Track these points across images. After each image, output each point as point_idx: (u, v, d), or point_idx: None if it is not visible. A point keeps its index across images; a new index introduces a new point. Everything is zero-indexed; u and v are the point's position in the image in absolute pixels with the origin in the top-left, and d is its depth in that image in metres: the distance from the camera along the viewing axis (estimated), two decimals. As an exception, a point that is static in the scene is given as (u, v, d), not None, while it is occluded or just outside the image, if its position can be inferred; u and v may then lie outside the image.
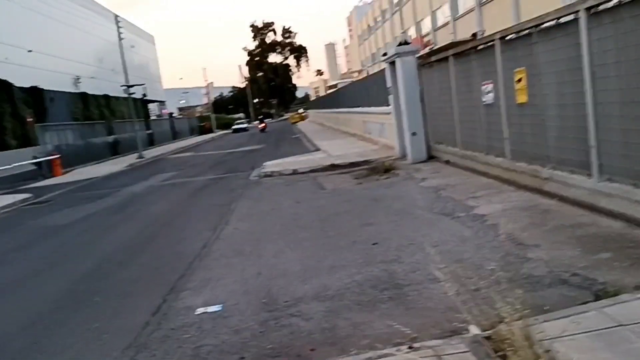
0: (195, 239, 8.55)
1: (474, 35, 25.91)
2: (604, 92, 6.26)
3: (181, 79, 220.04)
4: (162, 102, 77.49)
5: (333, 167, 15.16)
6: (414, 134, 13.33)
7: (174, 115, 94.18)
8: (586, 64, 6.42)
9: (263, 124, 54.78)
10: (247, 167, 19.69)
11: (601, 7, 6.16)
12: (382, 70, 17.70)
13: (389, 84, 14.70)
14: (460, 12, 34.77)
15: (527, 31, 7.89)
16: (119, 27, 36.16)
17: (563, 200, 7.15)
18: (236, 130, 63.25)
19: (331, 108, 37.87)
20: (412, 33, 47.53)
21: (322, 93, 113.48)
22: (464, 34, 29.74)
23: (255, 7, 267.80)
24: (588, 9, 6.30)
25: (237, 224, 9.25)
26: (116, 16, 36.65)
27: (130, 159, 33.49)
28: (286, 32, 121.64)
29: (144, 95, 65.63)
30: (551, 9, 7.19)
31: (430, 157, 13.35)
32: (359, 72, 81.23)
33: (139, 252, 8.41)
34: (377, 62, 65.36)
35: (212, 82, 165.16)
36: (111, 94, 45.90)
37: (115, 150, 39.05)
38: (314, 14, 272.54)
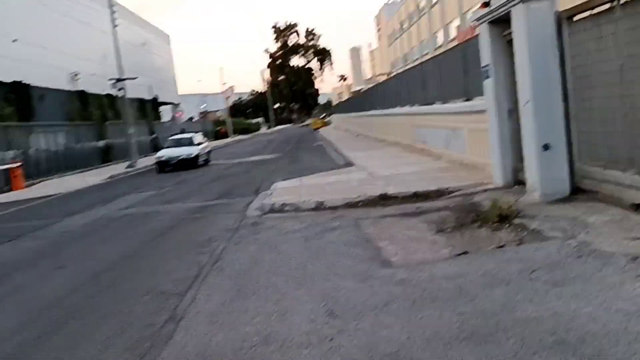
0: None
1: None
2: None
3: (199, 81, 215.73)
4: (176, 105, 72.21)
5: (384, 199, 8.98)
6: (546, 147, 7.08)
7: (194, 119, 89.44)
8: None
9: None
10: (249, 188, 13.63)
11: None
12: (455, 48, 11.52)
13: (486, 60, 8.49)
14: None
15: None
16: (112, 12, 30.53)
17: None
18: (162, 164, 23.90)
19: (361, 111, 31.71)
20: (455, 25, 41.27)
21: (345, 98, 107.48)
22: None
23: (277, 9, 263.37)
24: None
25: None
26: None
27: (120, 168, 27.79)
28: (309, 34, 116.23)
29: (155, 96, 60.73)
30: None
31: (576, 190, 7.09)
32: (388, 74, 74.94)
33: None
34: (409, 63, 59.07)
35: (232, 86, 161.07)
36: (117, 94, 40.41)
37: (107, 156, 33.44)
38: (338, 16, 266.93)
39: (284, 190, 11.35)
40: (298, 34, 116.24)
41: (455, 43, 36.65)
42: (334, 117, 67.87)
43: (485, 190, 8.50)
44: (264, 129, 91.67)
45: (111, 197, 15.57)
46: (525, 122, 7.39)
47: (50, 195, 18.05)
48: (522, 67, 7.28)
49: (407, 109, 17.34)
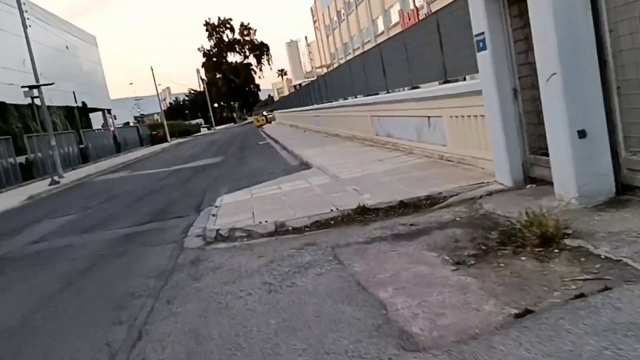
0: None
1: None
2: None
3: (131, 84, 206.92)
4: (107, 111, 67.80)
5: (363, 213, 6.97)
6: (581, 133, 5.27)
7: (130, 125, 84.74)
8: None
9: None
10: (189, 204, 11.35)
11: None
12: (426, 20, 9.71)
13: (479, 27, 6.60)
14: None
15: None
16: (22, 12, 27.01)
17: None
18: None
19: (307, 105, 29.71)
20: (396, 10, 39.85)
21: (286, 93, 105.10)
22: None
23: (209, 6, 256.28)
24: None
25: None
26: (17, -2, 27.43)
27: (43, 185, 24.57)
28: (245, 28, 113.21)
29: (83, 103, 56.40)
30: None
31: (623, 188, 5.33)
32: (328, 66, 73.23)
33: None
34: (349, 53, 57.53)
35: (168, 88, 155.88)
36: (47, 104, 36.44)
37: (28, 173, 29.85)
38: (273, 9, 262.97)
39: (231, 206, 9.16)
40: (233, 30, 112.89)
41: (398, 28, 35.28)
42: (277, 114, 65.60)
43: (490, 194, 6.65)
44: (204, 130, 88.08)
45: (22, 226, 12.86)
46: (549, 102, 5.54)
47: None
48: (542, 29, 5.41)
49: (364, 98, 15.44)
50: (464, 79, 8.69)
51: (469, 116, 8.12)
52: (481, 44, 6.65)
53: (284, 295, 4.60)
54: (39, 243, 10.08)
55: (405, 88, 11.30)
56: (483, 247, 4.86)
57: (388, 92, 12.91)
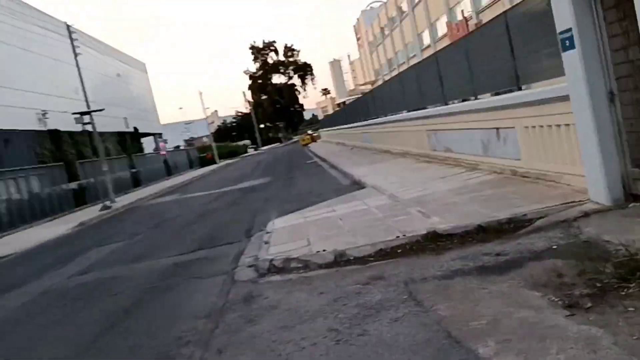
0: None
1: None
2: None
3: (181, 108, 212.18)
4: (159, 135, 69.32)
5: (435, 240, 6.13)
6: None
7: (181, 148, 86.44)
8: None
9: None
10: (238, 229, 10.73)
11: None
12: (493, 22, 8.83)
13: (565, 23, 5.69)
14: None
15: None
16: (72, 40, 27.65)
17: None
18: None
19: (354, 122, 29.02)
20: (443, 22, 38.81)
21: (330, 112, 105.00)
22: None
23: (254, 30, 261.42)
24: None
25: None
26: (68, 26, 28.14)
27: (95, 210, 24.75)
28: (288, 50, 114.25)
29: (135, 128, 57.77)
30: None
31: None
32: (373, 83, 72.58)
33: None
34: (394, 68, 56.74)
35: (216, 111, 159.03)
36: (100, 130, 37.37)
37: (81, 199, 30.30)
38: (316, 29, 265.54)
39: (284, 232, 8.47)
40: (277, 52, 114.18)
41: (445, 41, 34.27)
42: (323, 132, 65.29)
43: (586, 215, 5.68)
44: (251, 151, 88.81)
45: (71, 255, 12.59)
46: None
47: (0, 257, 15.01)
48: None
49: (417, 112, 14.57)
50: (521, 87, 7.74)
51: (550, 126, 7.16)
52: (567, 42, 5.74)
53: (356, 348, 3.80)
54: (86, 274, 9.66)
55: (471, 98, 10.36)
56: (598, 285, 3.93)
57: (446, 104, 12.02)
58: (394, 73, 51.52)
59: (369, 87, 72.28)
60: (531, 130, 7.79)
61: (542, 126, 7.43)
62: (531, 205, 6.47)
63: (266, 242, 7.88)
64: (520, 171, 8.44)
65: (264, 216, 11.58)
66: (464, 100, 11.22)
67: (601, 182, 5.77)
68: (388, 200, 9.27)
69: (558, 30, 5.88)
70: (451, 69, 11.17)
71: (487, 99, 9.41)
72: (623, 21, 5.22)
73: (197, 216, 14.86)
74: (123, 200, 27.82)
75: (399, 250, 6.11)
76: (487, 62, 9.23)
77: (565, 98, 6.39)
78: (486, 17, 29.41)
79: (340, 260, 6.25)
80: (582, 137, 5.97)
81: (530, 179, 8.03)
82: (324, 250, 6.54)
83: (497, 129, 9.09)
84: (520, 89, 8.14)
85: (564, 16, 5.71)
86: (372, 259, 6.08)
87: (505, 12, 8.07)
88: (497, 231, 5.97)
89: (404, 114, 16.21)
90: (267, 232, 8.75)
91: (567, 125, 6.67)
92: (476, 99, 10.10)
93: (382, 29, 62.60)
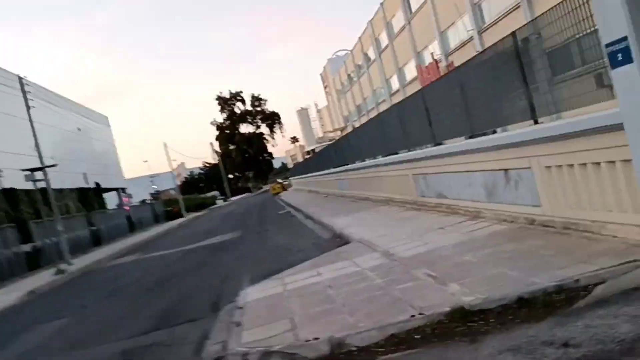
0: None
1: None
2: None
3: (146, 161, 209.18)
4: (122, 190, 66.76)
5: (464, 319, 4.60)
6: None
7: (147, 202, 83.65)
8: None
9: None
10: (204, 301, 8.99)
11: None
12: (498, 45, 7.63)
13: (618, 31, 4.43)
14: (489, 20, 25.74)
15: None
16: (24, 93, 25.86)
17: None
18: None
19: (327, 169, 27.74)
20: (411, 66, 38.51)
21: (299, 160, 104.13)
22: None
23: (220, 80, 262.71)
24: None
25: None
26: (20, 79, 26.36)
27: (47, 275, 22.37)
28: (255, 99, 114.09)
29: (97, 184, 55.33)
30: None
31: None
32: (342, 129, 72.23)
33: None
34: (364, 114, 56.39)
35: (182, 163, 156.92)
36: (59, 187, 35.03)
37: (35, 262, 27.73)
38: (282, 79, 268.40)
39: (260, 307, 6.79)
40: (244, 102, 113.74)
41: (416, 85, 33.84)
42: (294, 180, 63.99)
43: (665, 278, 4.27)
44: (220, 202, 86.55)
45: (10, 335, 10.51)
46: None
47: None
48: None
49: (401, 155, 13.30)
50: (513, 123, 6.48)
51: (584, 164, 5.84)
52: (620, 55, 4.47)
53: None
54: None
55: (461, 137, 9.08)
56: None
57: (437, 145, 10.75)
58: (364, 119, 51.02)
59: (338, 133, 71.82)
60: (555, 170, 6.46)
61: (571, 165, 6.11)
62: (577, 265, 5.05)
63: (237, 324, 6.19)
64: (540, 219, 7.07)
65: (234, 282, 9.87)
66: (465, 138, 9.97)
67: (677, 234, 4.39)
68: (384, 259, 7.74)
69: (605, 42, 4.61)
70: (442, 106, 9.94)
71: (492, 137, 8.12)
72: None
73: (157, 282, 12.98)
74: (80, 262, 25.47)
75: (417, 336, 4.55)
76: (489, 94, 7.99)
77: (607, 129, 5.11)
78: (456, 58, 29.01)
79: (339, 352, 4.64)
80: (644, 176, 4.63)
81: (556, 230, 6.64)
82: (315, 339, 4.91)
83: (506, 170, 7.77)
84: (536, 122, 6.87)
85: (613, 22, 4.46)
86: (382, 350, 4.49)
87: (514, 32, 6.86)
88: (545, 305, 4.49)
89: (386, 158, 14.92)
90: (239, 307, 7.06)
91: (611, 162, 5.36)
92: (472, 137, 8.83)
93: (349, 76, 62.62)
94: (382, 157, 15.32)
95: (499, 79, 7.58)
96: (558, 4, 5.98)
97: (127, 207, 54.92)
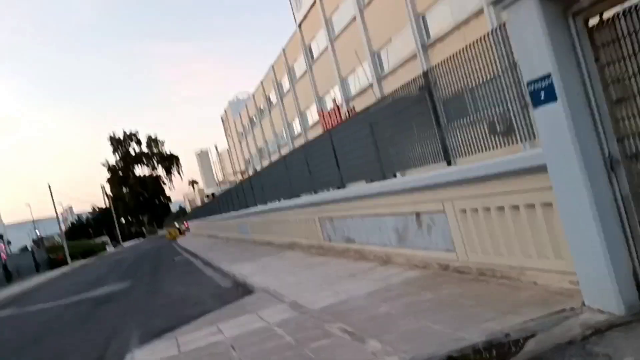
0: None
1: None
2: None
3: (27, 204, 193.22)
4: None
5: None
6: None
7: (29, 249, 76.50)
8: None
9: None
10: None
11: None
12: (414, 81, 7.49)
13: (541, 68, 4.25)
14: (388, 68, 26.62)
15: None
16: None
17: None
18: None
19: (227, 212, 26.74)
20: (312, 111, 38.92)
21: (198, 204, 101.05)
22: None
23: (113, 119, 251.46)
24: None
25: None
26: None
27: None
28: (152, 141, 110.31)
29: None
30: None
31: None
32: (243, 172, 71.28)
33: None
34: (265, 158, 56.06)
35: (70, 207, 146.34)
36: None
37: None
38: (181, 121, 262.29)
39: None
40: (139, 143, 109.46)
41: (318, 129, 34.14)
42: (192, 224, 61.49)
43: (598, 331, 4.00)
44: (110, 249, 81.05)
45: None
46: None
47: None
48: None
49: (307, 198, 12.83)
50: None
51: (501, 208, 5.63)
52: (543, 93, 4.29)
53: None
54: None
55: (369, 180, 8.77)
56: None
57: (343, 187, 10.39)
58: (265, 162, 50.65)
59: (239, 176, 70.70)
60: (470, 214, 6.23)
61: (487, 209, 5.89)
62: (504, 316, 4.70)
63: (121, 399, 5.15)
64: (454, 265, 6.79)
65: (120, 341, 8.65)
66: (369, 181, 9.67)
67: (606, 281, 4.16)
68: (292, 312, 7.03)
69: (526, 80, 4.43)
70: (351, 147, 9.63)
71: (403, 179, 7.86)
72: (624, 61, 3.88)
73: (32, 341, 11.22)
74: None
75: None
76: (401, 136, 7.76)
77: (527, 171, 4.93)
78: (356, 103, 29.68)
79: None
80: (569, 220, 4.41)
81: (472, 276, 6.36)
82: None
83: (418, 214, 7.49)
84: (449, 163, 6.66)
85: (536, 58, 4.28)
86: None
87: (425, 72, 6.70)
88: (478, 365, 4.04)
89: (289, 201, 14.38)
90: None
91: (531, 206, 5.17)
92: (381, 180, 8.54)
93: (250, 119, 62.38)
94: (286, 199, 14.77)
95: (411, 119, 7.37)
96: (452, 55, 5.99)
97: (3, 255, 49.63)
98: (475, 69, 5.69)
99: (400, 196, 7.81)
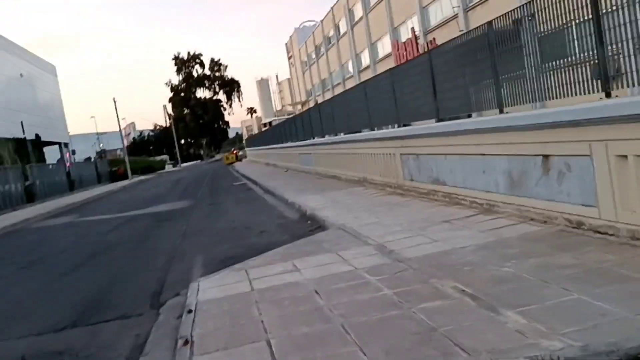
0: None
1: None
2: None
3: (93, 117, 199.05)
4: (64, 145, 62.46)
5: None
6: None
7: (92, 159, 79.18)
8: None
9: None
10: (142, 287, 7.03)
11: None
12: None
13: None
14: None
15: None
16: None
17: None
18: None
19: (289, 141, 25.81)
20: (385, 42, 36.69)
21: (255, 132, 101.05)
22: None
23: (179, 40, 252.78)
24: None
25: None
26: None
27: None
28: (215, 64, 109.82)
29: (37, 135, 51.18)
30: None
31: None
32: (304, 103, 70.01)
33: None
34: (328, 89, 54.41)
35: (133, 123, 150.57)
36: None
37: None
38: (245, 46, 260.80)
39: (219, 316, 4.88)
40: (202, 65, 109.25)
41: (388, 62, 32.03)
42: (249, 151, 61.54)
43: None
44: (169, 167, 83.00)
45: None
46: None
47: None
48: None
49: (389, 130, 11.54)
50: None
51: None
52: None
53: None
54: None
55: (473, 112, 7.35)
56: None
57: (440, 121, 9.02)
58: (328, 94, 49.08)
59: (299, 107, 69.51)
60: (634, 162, 4.82)
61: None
62: None
63: (185, 341, 4.28)
64: (592, 223, 5.45)
65: (182, 265, 7.95)
66: (469, 116, 8.28)
67: None
68: (383, 258, 5.96)
69: None
70: (451, 71, 8.17)
71: (536, 112, 6.41)
72: None
73: (89, 255, 10.79)
74: (4, 220, 22.66)
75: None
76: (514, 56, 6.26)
77: None
78: (436, 36, 27.40)
79: None
80: None
81: (619, 239, 5.03)
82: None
83: (546, 156, 6.10)
84: (608, 95, 5.19)
85: None
86: None
87: None
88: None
89: (365, 133, 13.13)
90: (189, 311, 5.13)
91: None
92: (500, 113, 7.12)
93: (316, 47, 60.26)
94: (363, 131, 13.52)
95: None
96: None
97: (68, 163, 51.25)
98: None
99: (522, 133, 6.41)
